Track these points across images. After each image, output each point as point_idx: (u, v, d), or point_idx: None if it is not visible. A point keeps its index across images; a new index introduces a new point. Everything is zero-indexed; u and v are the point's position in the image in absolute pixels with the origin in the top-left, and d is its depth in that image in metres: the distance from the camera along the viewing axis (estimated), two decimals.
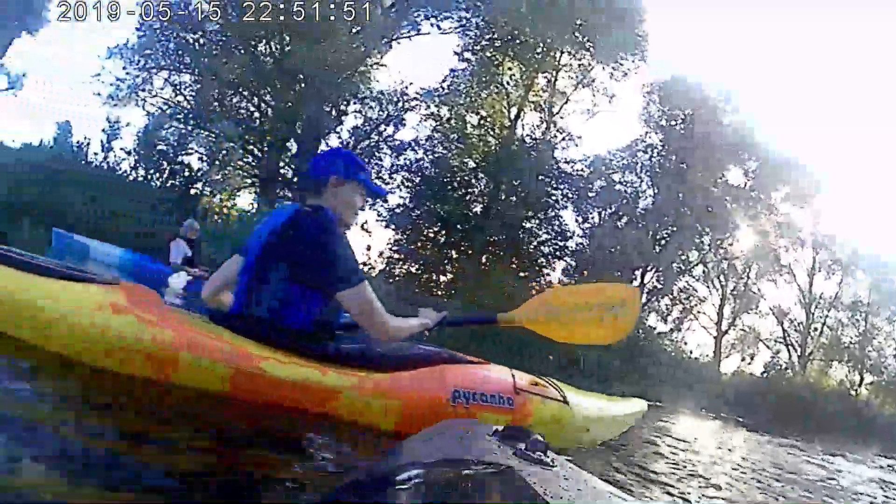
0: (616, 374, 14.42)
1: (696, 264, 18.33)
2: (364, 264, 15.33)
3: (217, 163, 14.83)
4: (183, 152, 14.59)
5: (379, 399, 1.80)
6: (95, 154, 14.49)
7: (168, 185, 14.17)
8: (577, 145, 16.72)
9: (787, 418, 15.64)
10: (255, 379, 1.66)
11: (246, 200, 15.73)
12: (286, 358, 1.73)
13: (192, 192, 14.54)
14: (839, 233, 20.04)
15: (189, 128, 14.59)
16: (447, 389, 1.91)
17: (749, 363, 19.52)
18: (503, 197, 15.85)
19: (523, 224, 16.06)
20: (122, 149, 14.64)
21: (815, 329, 20.36)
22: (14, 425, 1.14)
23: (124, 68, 14.91)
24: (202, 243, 8.41)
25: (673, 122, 17.55)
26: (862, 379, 19.83)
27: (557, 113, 16.68)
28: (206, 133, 14.74)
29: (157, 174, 14.31)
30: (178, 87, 15.09)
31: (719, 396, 16.48)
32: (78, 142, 14.81)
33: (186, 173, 14.46)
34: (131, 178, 14.04)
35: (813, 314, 20.26)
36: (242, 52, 15.01)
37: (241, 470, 1.25)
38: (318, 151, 15.63)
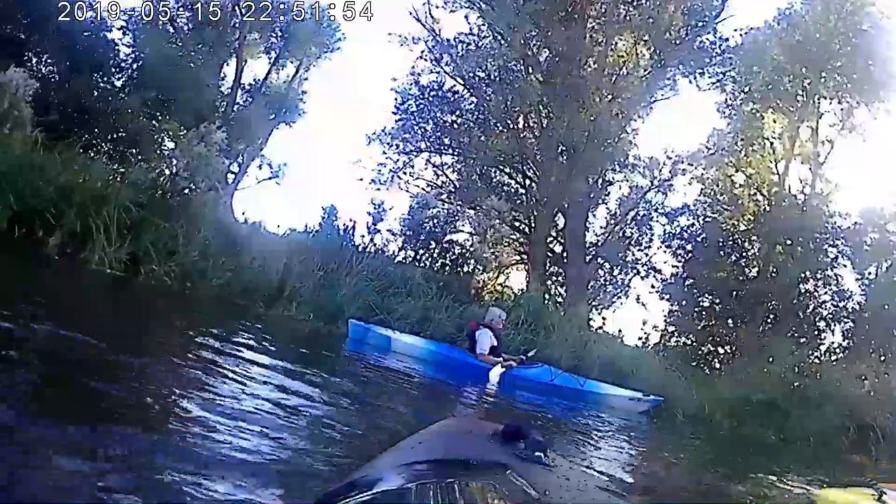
0: None
1: None
2: (639, 339, 14.59)
3: (487, 240, 14.46)
4: (452, 230, 14.23)
5: None
6: (362, 237, 14.33)
7: (438, 264, 13.82)
8: (846, 196, 15.54)
9: None
10: None
11: (516, 278, 15.30)
12: None
13: (465, 271, 14.14)
14: None
15: (457, 206, 14.29)
16: None
17: None
18: (779, 259, 14.84)
19: (800, 286, 14.97)
20: (388, 230, 14.41)
21: None
22: None
23: (384, 153, 14.90)
24: None
25: None
26: None
27: (824, 163, 15.58)
28: (475, 211, 14.40)
29: (426, 254, 13.99)
30: (440, 168, 14.92)
31: None
32: (344, 225, 14.67)
33: (457, 251, 14.10)
34: (399, 258, 13.74)
35: None
36: (502, 128, 14.72)
37: None
38: (586, 224, 15.18)
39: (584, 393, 7.97)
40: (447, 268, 13.42)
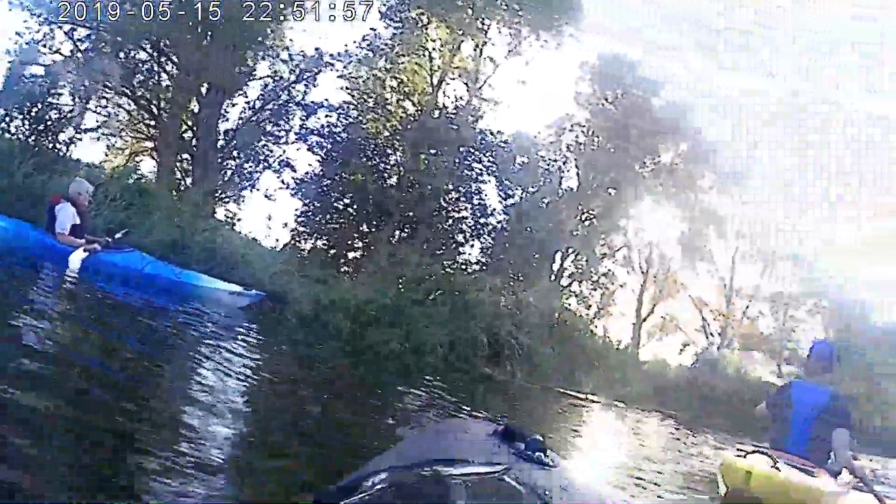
0: (548, 361, 13.50)
1: (620, 248, 18.06)
2: (267, 238, 14.46)
3: (94, 108, 13.60)
4: (56, 94, 13.09)
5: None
6: None
7: (33, 129, 12.75)
8: (501, 117, 16.05)
9: (713, 411, 15.25)
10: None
11: (147, 166, 14.70)
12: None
13: (62, 139, 12.99)
14: (763, 223, 19.64)
15: (70, 72, 13.29)
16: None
17: (681, 352, 19.43)
18: (421, 167, 15.17)
19: (441, 198, 15.44)
20: None
21: (735, 319, 20.38)
22: None
23: (24, 21, 13.73)
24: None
25: (604, 102, 17.00)
26: (780, 370, 19.95)
27: (485, 82, 15.96)
28: (91, 80, 13.45)
29: (21, 116, 12.81)
30: (76, 42, 13.90)
31: (660, 390, 15.94)
32: None
33: (54, 116, 13.00)
34: None
35: (733, 304, 20.26)
36: None
37: None
38: (223, 111, 14.77)
39: (180, 284, 7.31)
40: (42, 133, 12.61)
